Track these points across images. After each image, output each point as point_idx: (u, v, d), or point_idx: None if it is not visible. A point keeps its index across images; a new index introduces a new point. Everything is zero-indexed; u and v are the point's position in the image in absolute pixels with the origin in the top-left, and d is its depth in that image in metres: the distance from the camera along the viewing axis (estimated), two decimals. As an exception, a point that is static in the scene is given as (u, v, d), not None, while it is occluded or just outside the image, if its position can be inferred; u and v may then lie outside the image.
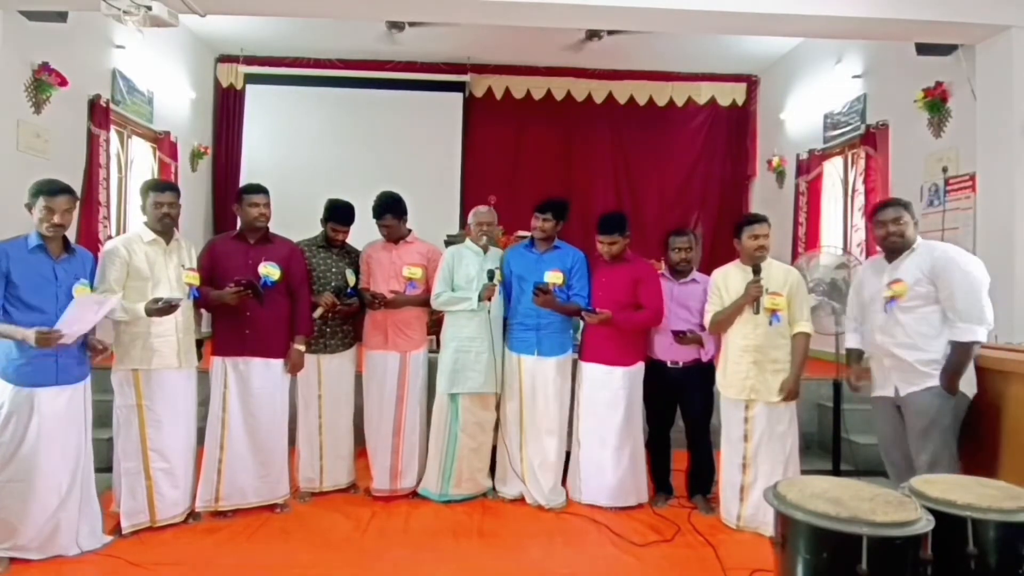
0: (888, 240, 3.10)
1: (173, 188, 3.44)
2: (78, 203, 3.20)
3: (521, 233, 5.43)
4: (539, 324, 3.77)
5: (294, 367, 3.64)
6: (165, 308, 3.13)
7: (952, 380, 2.93)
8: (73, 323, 2.87)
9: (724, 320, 3.56)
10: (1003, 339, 3.54)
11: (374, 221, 3.90)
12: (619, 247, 3.76)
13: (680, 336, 3.68)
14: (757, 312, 3.41)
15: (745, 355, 3.46)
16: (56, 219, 2.94)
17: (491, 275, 3.72)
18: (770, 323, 3.40)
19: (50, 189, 2.95)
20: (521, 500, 3.85)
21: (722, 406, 3.63)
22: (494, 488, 3.95)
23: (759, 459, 3.45)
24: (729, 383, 3.55)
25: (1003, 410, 2.99)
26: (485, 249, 3.88)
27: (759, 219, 3.55)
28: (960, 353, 2.92)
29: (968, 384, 3.00)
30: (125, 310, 3.15)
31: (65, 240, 3.08)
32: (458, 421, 3.79)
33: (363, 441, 3.97)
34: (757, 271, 3.42)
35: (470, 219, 3.95)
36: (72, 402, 3.06)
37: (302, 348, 3.65)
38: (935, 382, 2.95)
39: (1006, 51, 4.17)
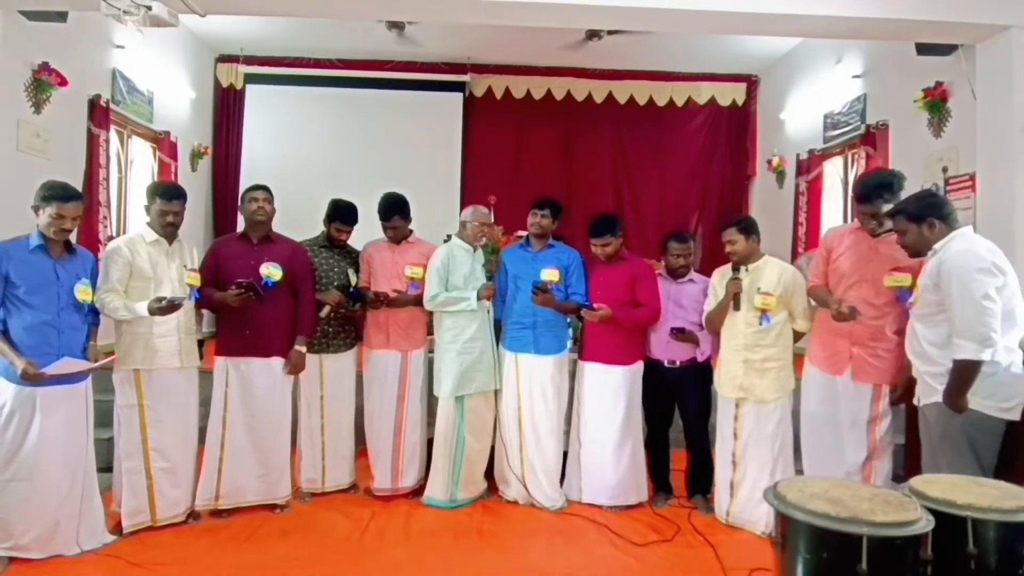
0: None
1: (181, 196, 3.43)
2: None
3: (520, 233, 5.43)
4: (535, 322, 3.78)
5: (294, 368, 3.64)
6: (168, 307, 3.13)
7: (951, 397, 2.68)
8: (60, 370, 2.93)
9: (715, 318, 3.62)
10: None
11: (377, 221, 3.91)
12: (612, 248, 3.77)
13: (677, 333, 3.70)
14: (738, 309, 3.45)
15: (736, 354, 3.51)
16: (67, 225, 2.98)
17: (490, 275, 3.73)
18: (760, 323, 3.42)
19: (63, 195, 2.97)
20: (519, 503, 3.84)
21: (719, 403, 3.67)
22: (490, 488, 3.95)
23: (747, 457, 3.50)
24: (722, 381, 3.60)
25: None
26: (474, 248, 3.86)
27: (727, 225, 3.61)
28: (957, 370, 2.66)
29: (996, 400, 2.68)
30: (128, 308, 3.15)
31: (66, 240, 3.09)
32: (465, 423, 3.78)
33: (363, 441, 3.97)
34: (736, 269, 3.49)
35: (468, 216, 3.85)
36: (73, 402, 3.07)
37: (303, 349, 3.64)
38: (940, 397, 2.73)
39: (1006, 51, 4.16)
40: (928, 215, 2.81)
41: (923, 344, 2.83)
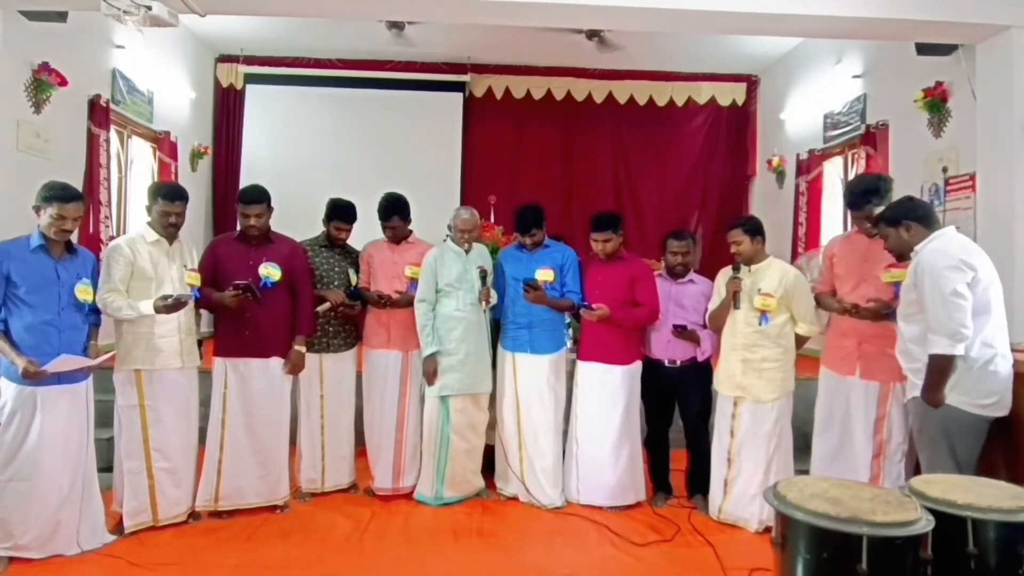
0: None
1: (183, 197, 3.42)
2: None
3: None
4: (531, 322, 3.79)
5: (294, 368, 3.64)
6: (174, 305, 3.14)
7: (927, 392, 2.76)
8: (61, 367, 2.92)
9: (717, 316, 3.64)
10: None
11: (377, 221, 3.90)
12: (613, 245, 3.77)
13: (680, 331, 3.71)
14: (738, 307, 3.48)
15: (734, 353, 3.53)
16: (67, 226, 2.98)
17: (484, 277, 3.72)
18: (759, 323, 3.43)
19: (64, 196, 2.97)
20: (518, 499, 3.84)
21: (717, 401, 3.68)
22: (488, 488, 3.95)
23: (742, 456, 3.52)
24: (721, 380, 3.62)
25: (1019, 415, 2.80)
26: (466, 249, 3.84)
27: (733, 225, 3.62)
28: (931, 365, 2.74)
29: (973, 397, 2.73)
30: (132, 307, 3.15)
31: (67, 240, 3.09)
32: (450, 423, 3.76)
33: (363, 441, 3.97)
34: (737, 269, 3.52)
35: (451, 222, 3.88)
36: (74, 402, 3.07)
37: (302, 349, 3.64)
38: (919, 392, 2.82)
39: (1006, 51, 4.16)
40: (903, 218, 2.92)
41: (906, 342, 2.92)
